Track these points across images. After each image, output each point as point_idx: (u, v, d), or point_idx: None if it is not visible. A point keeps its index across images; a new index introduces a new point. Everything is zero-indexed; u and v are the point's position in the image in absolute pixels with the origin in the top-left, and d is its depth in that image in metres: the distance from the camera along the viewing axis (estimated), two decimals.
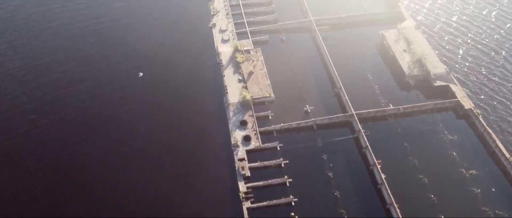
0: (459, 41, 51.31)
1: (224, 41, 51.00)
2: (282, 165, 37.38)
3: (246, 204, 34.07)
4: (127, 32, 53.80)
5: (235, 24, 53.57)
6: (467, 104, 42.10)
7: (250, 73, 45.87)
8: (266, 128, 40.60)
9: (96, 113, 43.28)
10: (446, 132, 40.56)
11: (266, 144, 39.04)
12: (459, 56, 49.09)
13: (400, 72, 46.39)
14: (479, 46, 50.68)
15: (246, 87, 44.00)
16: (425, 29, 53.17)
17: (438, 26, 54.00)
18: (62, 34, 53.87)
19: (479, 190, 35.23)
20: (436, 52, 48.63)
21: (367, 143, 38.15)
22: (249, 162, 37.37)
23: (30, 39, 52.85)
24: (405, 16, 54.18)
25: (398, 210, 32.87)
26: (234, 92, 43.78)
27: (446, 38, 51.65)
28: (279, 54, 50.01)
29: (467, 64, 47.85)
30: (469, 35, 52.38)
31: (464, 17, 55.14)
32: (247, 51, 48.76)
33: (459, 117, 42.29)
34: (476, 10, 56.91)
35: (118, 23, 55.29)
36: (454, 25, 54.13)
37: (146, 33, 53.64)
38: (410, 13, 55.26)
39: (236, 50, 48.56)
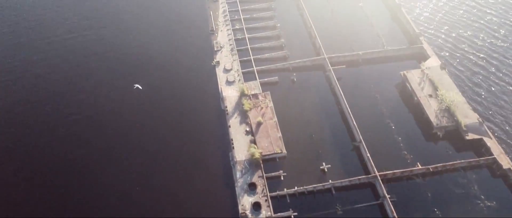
0: (491, 83, 46.95)
1: (229, 83, 46.81)
2: None
3: None
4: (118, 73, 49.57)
5: (241, 62, 49.50)
6: (505, 162, 37.70)
7: (259, 123, 41.58)
8: (278, 192, 36.38)
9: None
10: (482, 197, 36.25)
11: (279, 214, 34.87)
12: (492, 102, 44.64)
13: (427, 121, 42.11)
14: None
15: (254, 141, 39.74)
16: (451, 69, 48.72)
17: (465, 65, 49.73)
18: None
19: None
20: (465, 96, 44.31)
21: (394, 213, 33.71)
22: None
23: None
24: (428, 53, 50.00)
25: None
26: (241, 148, 39.48)
27: (475, 80, 47.27)
28: (290, 98, 45.86)
29: (502, 112, 43.42)
30: (500, 74, 47.95)
31: (495, 55, 50.83)
32: (255, 96, 44.52)
33: (496, 177, 37.75)
34: (505, 43, 52.49)
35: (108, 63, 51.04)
36: (483, 63, 49.81)
37: (146, 69, 49.31)
38: (433, 49, 50.96)
39: (243, 94, 44.22)
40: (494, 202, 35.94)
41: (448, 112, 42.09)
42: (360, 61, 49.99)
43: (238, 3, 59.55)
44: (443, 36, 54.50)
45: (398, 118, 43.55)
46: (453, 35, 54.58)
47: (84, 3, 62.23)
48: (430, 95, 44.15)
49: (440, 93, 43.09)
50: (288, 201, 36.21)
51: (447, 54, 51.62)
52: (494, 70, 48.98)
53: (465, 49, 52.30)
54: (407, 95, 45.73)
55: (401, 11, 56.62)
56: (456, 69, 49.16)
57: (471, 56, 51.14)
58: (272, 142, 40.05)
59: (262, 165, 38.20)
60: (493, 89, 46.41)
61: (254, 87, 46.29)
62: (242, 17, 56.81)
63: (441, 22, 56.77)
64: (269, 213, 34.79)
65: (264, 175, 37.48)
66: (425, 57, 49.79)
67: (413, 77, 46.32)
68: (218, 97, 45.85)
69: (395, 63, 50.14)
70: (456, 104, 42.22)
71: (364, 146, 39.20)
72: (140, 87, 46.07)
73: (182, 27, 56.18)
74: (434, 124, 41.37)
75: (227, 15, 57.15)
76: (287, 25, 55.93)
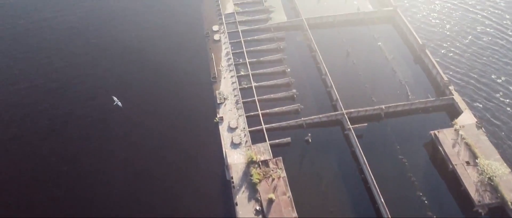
0: None
1: (234, 145, 41.55)
2: None
3: None
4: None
5: (248, 117, 44.22)
6: None
7: (270, 201, 36.32)
8: None
9: None
10: None
11: None
12: None
13: (465, 196, 36.71)
14: None
15: None
16: (487, 124, 43.45)
17: (502, 118, 44.66)
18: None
19: None
20: (506, 158, 39.26)
21: None
22: None
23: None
24: (460, 106, 44.64)
25: None
26: None
27: None
28: (305, 165, 40.81)
29: None
30: None
31: None
32: (265, 163, 39.24)
33: None
34: None
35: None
36: None
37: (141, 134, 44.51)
38: (464, 99, 45.77)
39: (251, 162, 38.88)
40: None
41: (490, 185, 36.61)
42: (382, 116, 44.65)
43: (242, 43, 54.51)
44: (473, 81, 49.34)
45: (432, 190, 38.34)
46: (485, 80, 49.39)
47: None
48: (468, 163, 38.82)
49: (480, 162, 37.65)
50: None
51: (480, 105, 46.36)
52: None
53: (501, 98, 47.02)
54: (440, 160, 40.49)
55: (426, 53, 51.48)
56: (492, 125, 43.83)
57: (508, 108, 45.75)
58: None
59: None
60: None
61: (263, 151, 41.02)
62: (247, 60, 51.77)
63: (470, 65, 51.65)
64: None
65: None
66: (456, 110, 44.60)
67: (446, 138, 41.06)
68: (222, 164, 40.56)
69: (422, 116, 45.15)
70: (500, 176, 36.75)
71: None
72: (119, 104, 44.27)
73: (182, 73, 51.35)
74: (476, 201, 35.97)
75: (230, 58, 51.99)
76: (299, 71, 51.18)
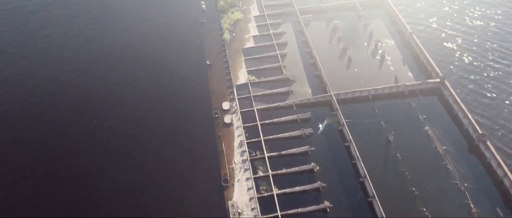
0: None
1: None
2: None
3: None
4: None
5: (261, 202, 35.47)
6: None
7: None
8: None
9: None
10: None
11: None
12: None
13: None
14: None
15: None
16: None
17: None
18: None
19: None
20: None
21: None
22: None
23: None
24: None
25: None
26: None
27: None
28: None
29: None
30: None
31: None
32: None
33: None
34: None
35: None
36: None
37: None
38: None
39: None
40: None
41: None
42: None
43: (259, 128, 46.03)
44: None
45: None
46: None
47: None
48: None
49: None
50: None
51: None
52: None
53: None
54: None
55: (487, 145, 42.54)
56: None
57: None
58: None
59: None
60: None
61: None
62: (266, 155, 42.95)
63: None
64: None
65: None
66: None
67: None
68: None
69: None
70: None
71: None
72: None
73: (185, 176, 42.20)
74: None
75: (245, 151, 43.17)
76: (330, 171, 42.79)
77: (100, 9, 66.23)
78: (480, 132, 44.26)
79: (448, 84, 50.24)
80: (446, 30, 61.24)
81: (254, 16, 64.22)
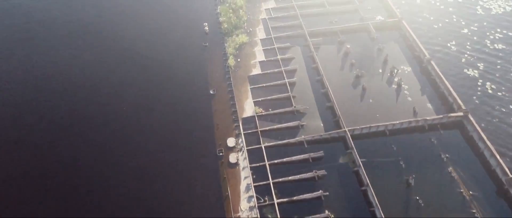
0: None
1: None
2: None
3: None
4: None
5: None
6: None
7: None
8: None
9: None
10: None
11: None
12: None
13: None
14: None
15: None
16: None
17: None
18: None
19: None
20: None
21: None
22: None
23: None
24: None
25: None
26: None
27: None
28: None
29: None
30: None
31: None
32: None
33: None
34: None
35: None
36: None
37: None
38: None
39: None
40: None
41: None
42: None
43: (267, 169, 42.72)
44: None
45: None
46: None
47: None
48: None
49: None
50: None
51: None
52: None
53: None
54: None
55: None
56: None
57: None
58: None
59: None
60: None
61: None
62: (276, 201, 39.57)
63: None
64: None
65: None
66: None
67: None
68: None
69: None
70: None
71: None
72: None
73: None
74: None
75: (252, 196, 39.82)
76: None
77: (98, 39, 63.02)
78: (510, 175, 40.69)
79: (472, 118, 46.74)
80: (466, 55, 57.82)
81: (260, 39, 60.99)
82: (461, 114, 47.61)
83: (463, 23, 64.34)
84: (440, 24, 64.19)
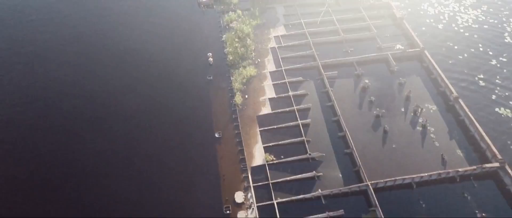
0: None
1: None
2: None
3: None
4: None
5: None
6: None
7: None
8: None
9: None
10: None
11: None
12: None
13: None
14: None
15: None
16: None
17: None
18: None
19: None
20: None
21: None
22: None
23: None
24: None
25: None
26: None
27: None
28: None
29: None
30: None
31: None
32: None
33: None
34: None
35: None
36: None
37: None
38: None
39: None
40: None
41: None
42: None
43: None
44: None
45: None
46: None
47: None
48: None
49: None
50: None
51: None
52: None
53: None
54: None
55: None
56: None
57: None
58: None
59: None
60: None
61: None
62: None
63: None
64: None
65: None
66: None
67: None
68: None
69: None
70: None
71: None
72: None
73: None
74: None
75: None
76: None
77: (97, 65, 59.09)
78: None
79: (509, 170, 41.96)
80: (496, 91, 53.23)
81: (269, 72, 56.61)
82: (497, 164, 42.86)
83: (490, 53, 59.74)
84: (465, 54, 59.62)
